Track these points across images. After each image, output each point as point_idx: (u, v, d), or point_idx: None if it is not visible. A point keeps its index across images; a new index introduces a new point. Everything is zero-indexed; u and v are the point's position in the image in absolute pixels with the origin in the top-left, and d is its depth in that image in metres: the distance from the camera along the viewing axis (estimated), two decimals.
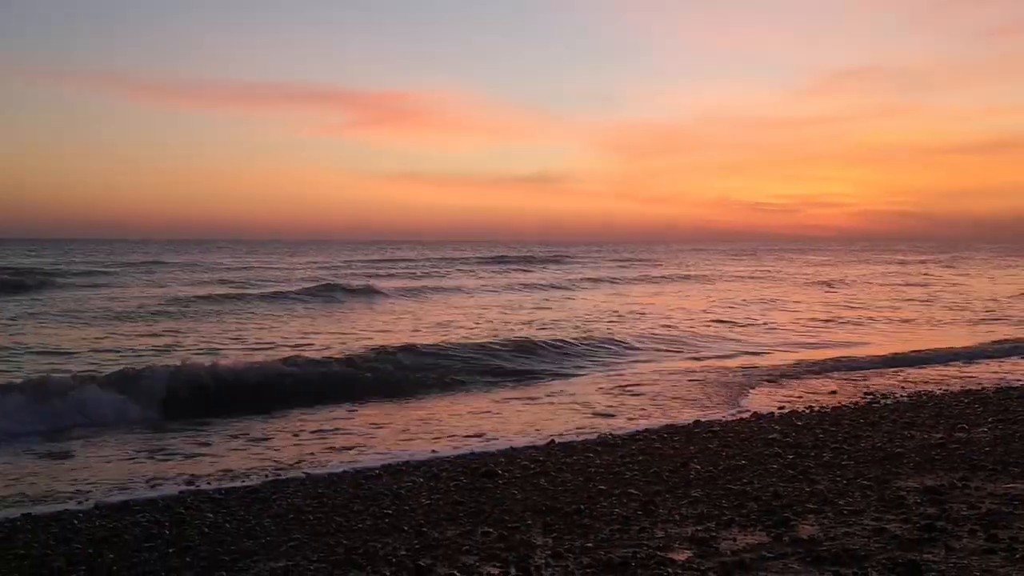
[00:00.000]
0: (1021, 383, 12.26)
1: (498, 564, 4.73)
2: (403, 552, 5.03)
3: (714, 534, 5.12)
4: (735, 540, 4.99)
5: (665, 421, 9.77)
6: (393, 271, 48.66)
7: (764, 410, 10.33)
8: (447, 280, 40.77)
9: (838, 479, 6.48)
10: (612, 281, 41.49)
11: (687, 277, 45.63)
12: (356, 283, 33.64)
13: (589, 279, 42.07)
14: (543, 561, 4.74)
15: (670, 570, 4.49)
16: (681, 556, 4.72)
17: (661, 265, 61.85)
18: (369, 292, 30.56)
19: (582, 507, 5.93)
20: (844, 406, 10.50)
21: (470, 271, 50.14)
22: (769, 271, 53.82)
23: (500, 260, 62.28)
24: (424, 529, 5.55)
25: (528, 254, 73.93)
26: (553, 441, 8.73)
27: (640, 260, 70.78)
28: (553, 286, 37.22)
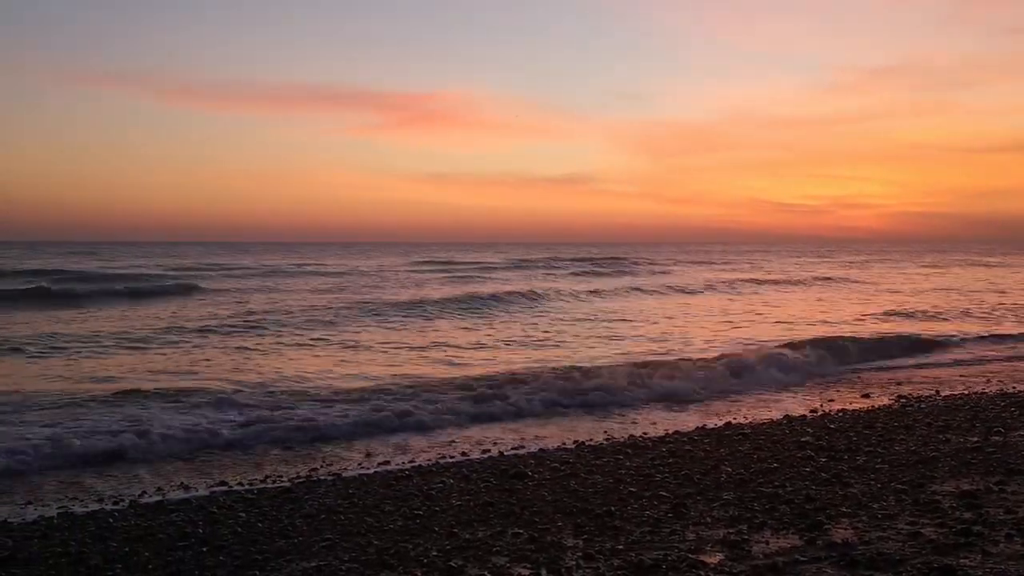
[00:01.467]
0: None
1: (529, 565, 4.74)
2: (434, 553, 5.05)
3: (746, 537, 5.09)
4: (768, 543, 4.96)
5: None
6: (493, 276, 43.49)
7: (796, 412, 10.25)
8: (570, 284, 37.09)
9: (872, 482, 6.41)
10: (801, 283, 39.10)
11: (844, 279, 42.35)
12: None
13: (750, 280, 39.88)
14: (574, 563, 4.74)
15: (702, 573, 4.47)
16: (713, 559, 4.70)
17: (754, 266, 58.99)
18: (538, 296, 28.69)
19: (612, 509, 5.92)
20: (878, 408, 10.39)
21: (576, 274, 46.12)
22: (885, 273, 50.30)
23: (591, 261, 59.61)
24: (455, 530, 5.57)
25: (607, 256, 70.89)
26: (583, 444, 8.73)
27: (724, 262, 66.66)
28: (711, 287, 35.28)
